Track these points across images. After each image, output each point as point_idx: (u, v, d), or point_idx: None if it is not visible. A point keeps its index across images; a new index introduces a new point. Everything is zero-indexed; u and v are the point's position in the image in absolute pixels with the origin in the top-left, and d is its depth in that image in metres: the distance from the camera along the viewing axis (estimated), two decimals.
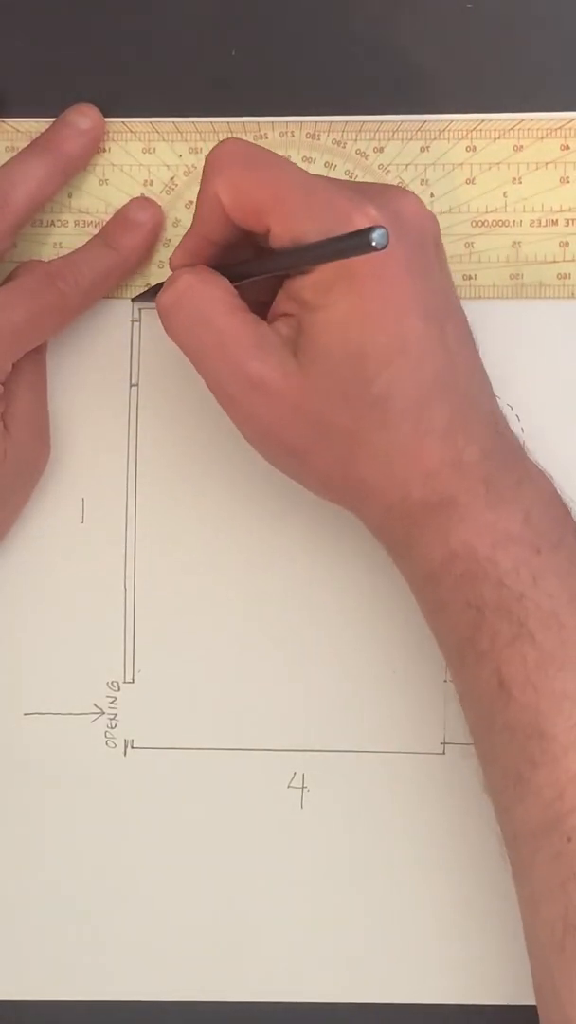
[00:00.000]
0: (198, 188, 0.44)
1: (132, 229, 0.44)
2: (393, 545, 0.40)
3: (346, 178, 0.44)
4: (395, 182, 0.44)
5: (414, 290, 0.37)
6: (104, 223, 0.44)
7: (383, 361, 0.37)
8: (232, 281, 0.39)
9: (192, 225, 0.40)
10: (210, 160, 0.38)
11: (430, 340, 0.38)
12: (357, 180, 0.44)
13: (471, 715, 0.39)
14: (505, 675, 0.37)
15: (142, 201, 0.44)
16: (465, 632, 0.38)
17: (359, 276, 0.37)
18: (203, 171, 0.39)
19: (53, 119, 0.44)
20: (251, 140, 0.44)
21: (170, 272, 0.40)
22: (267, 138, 0.44)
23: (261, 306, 0.40)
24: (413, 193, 0.39)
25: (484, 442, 0.38)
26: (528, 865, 0.37)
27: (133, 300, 0.45)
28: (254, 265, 0.40)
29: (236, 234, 0.39)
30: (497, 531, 0.37)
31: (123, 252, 0.44)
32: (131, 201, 0.44)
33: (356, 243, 0.34)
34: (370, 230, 0.34)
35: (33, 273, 0.42)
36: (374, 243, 0.34)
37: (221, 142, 0.39)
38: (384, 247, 0.34)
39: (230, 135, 0.44)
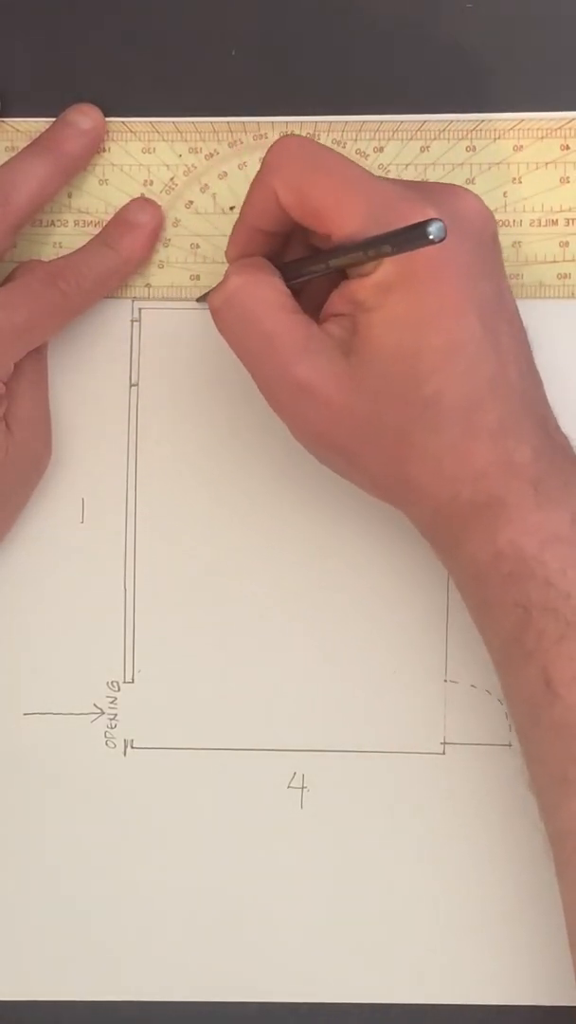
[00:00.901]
0: (198, 188, 0.44)
1: (132, 230, 0.44)
2: (441, 544, 0.40)
3: None
4: None
5: (471, 291, 0.37)
6: (104, 223, 0.44)
7: (437, 362, 0.37)
8: (288, 278, 0.39)
9: (242, 216, 0.40)
10: (271, 156, 0.38)
11: (485, 342, 0.38)
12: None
13: (517, 714, 0.39)
14: (551, 674, 0.37)
15: (142, 202, 0.44)
16: (512, 632, 0.38)
17: (418, 277, 0.37)
18: (263, 164, 0.39)
19: (53, 119, 0.44)
20: (251, 140, 0.44)
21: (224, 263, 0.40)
22: (267, 138, 0.44)
23: (318, 309, 0.40)
24: (473, 192, 0.39)
25: (534, 443, 0.38)
26: (572, 864, 0.38)
27: (198, 300, 0.44)
28: (309, 262, 0.39)
29: (289, 225, 0.39)
30: (545, 531, 0.37)
31: (123, 253, 0.44)
32: (131, 202, 0.44)
33: (413, 236, 0.35)
34: (427, 223, 0.34)
35: (34, 273, 0.42)
36: (431, 236, 0.34)
37: (283, 138, 0.39)
38: (442, 239, 0.34)
39: (230, 135, 0.44)
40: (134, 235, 0.44)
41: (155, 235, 0.44)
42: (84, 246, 0.44)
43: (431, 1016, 0.44)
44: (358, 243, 0.37)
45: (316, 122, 0.44)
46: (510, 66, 0.44)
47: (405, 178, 0.44)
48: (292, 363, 0.38)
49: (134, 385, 0.45)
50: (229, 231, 0.44)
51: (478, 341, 0.37)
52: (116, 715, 0.45)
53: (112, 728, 0.45)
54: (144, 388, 0.45)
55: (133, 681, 0.45)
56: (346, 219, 0.37)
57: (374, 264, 0.37)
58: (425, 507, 0.39)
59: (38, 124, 0.44)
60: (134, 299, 0.45)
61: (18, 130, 0.44)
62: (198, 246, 0.45)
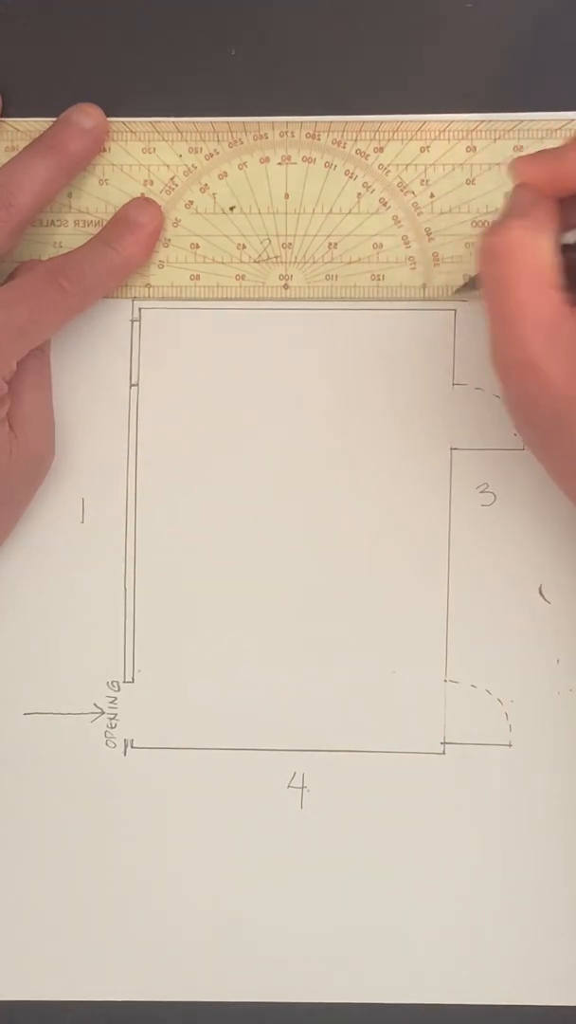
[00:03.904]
0: (198, 188, 0.44)
1: (133, 230, 0.44)
2: None
3: (346, 178, 0.44)
4: (395, 182, 0.44)
5: None
6: (104, 223, 0.44)
7: None
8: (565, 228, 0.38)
9: (555, 162, 0.38)
10: None
11: None
12: (360, 180, 0.44)
13: None
14: None
15: (142, 202, 0.44)
16: None
17: None
18: None
19: (54, 119, 0.44)
20: (251, 140, 0.44)
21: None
22: (267, 138, 0.44)
23: None
24: None
25: None
26: None
27: (455, 293, 0.44)
28: None
29: None
30: None
31: (124, 253, 0.44)
32: (131, 201, 0.44)
33: None
34: None
35: (35, 271, 0.42)
36: None
37: None
38: None
39: (230, 135, 0.44)
40: (134, 235, 0.44)
41: (155, 235, 0.44)
42: (84, 245, 0.44)
43: (431, 1016, 0.44)
44: None
45: (316, 122, 0.44)
46: (510, 66, 0.44)
47: (405, 178, 0.44)
48: (528, 341, 0.37)
49: (134, 385, 0.45)
50: (229, 231, 0.44)
51: None
52: (116, 715, 0.45)
53: (112, 728, 0.45)
54: (144, 388, 0.45)
55: (133, 681, 0.45)
56: None
57: None
58: None
59: (38, 124, 0.44)
60: (134, 299, 0.45)
61: (18, 130, 0.44)
62: (198, 246, 0.45)
